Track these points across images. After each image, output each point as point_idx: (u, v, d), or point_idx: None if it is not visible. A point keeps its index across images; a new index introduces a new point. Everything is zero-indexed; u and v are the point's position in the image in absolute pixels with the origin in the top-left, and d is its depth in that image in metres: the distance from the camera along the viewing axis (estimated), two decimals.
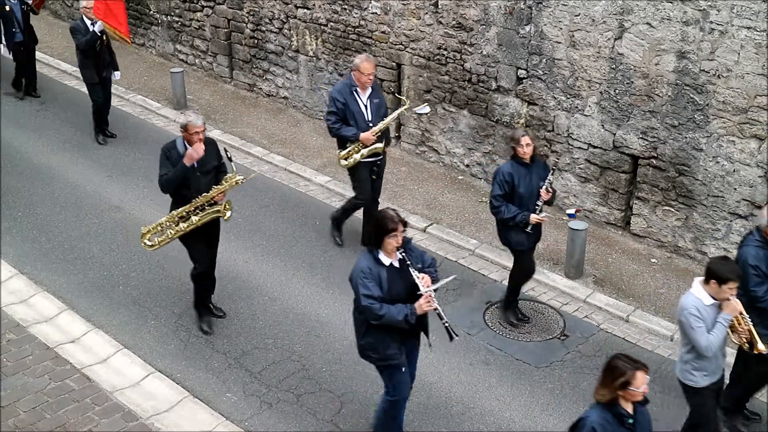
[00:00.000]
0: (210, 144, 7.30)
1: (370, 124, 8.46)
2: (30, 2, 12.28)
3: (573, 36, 9.11)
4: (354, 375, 7.20)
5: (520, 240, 7.52)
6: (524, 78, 9.73)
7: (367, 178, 8.73)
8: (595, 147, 9.31)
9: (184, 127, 7.17)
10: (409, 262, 5.84)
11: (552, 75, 9.43)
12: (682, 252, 8.92)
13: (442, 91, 10.61)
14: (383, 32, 10.98)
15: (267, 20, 12.44)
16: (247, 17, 12.77)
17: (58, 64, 13.88)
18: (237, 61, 13.27)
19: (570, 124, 9.46)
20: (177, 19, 13.85)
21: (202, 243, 7.48)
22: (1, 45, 12.31)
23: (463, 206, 9.98)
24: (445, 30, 10.29)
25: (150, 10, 14.35)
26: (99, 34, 10.80)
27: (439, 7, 10.25)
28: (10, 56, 12.38)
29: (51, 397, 6.78)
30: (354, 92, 8.42)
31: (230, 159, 7.32)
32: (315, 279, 8.58)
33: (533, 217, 7.30)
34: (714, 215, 8.55)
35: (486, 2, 9.78)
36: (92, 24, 10.78)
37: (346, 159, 8.52)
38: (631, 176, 9.16)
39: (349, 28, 11.38)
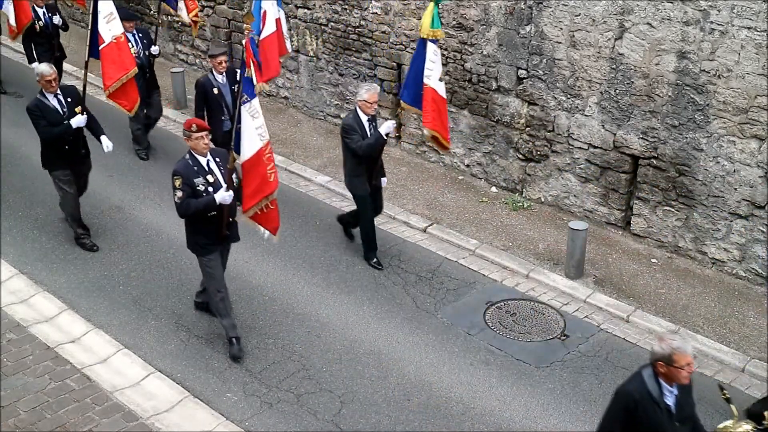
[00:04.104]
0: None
1: None
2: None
3: (573, 36, 9.11)
4: (354, 375, 7.20)
5: None
6: (524, 78, 9.72)
7: None
8: (595, 147, 9.31)
9: (667, 359, 4.91)
10: None
11: (552, 75, 9.43)
12: (683, 252, 8.92)
13: None
14: (383, 32, 10.98)
15: None
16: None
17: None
18: (237, 61, 13.26)
19: (570, 124, 9.46)
20: (177, 19, 13.84)
21: None
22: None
23: (464, 206, 9.98)
24: (446, 30, 10.27)
25: (150, 10, 14.35)
26: (385, 138, 8.36)
27: (440, 7, 10.24)
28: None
29: (51, 397, 6.78)
30: None
31: (728, 399, 5.19)
32: (315, 279, 8.57)
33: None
34: (714, 215, 8.55)
35: (486, 2, 9.78)
36: (370, 121, 8.35)
37: None
38: (632, 176, 9.16)
39: (349, 28, 11.38)
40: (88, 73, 9.07)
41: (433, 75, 8.12)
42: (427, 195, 10.27)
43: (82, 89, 8.84)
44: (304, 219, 9.71)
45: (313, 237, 9.33)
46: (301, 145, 11.57)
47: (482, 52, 10.01)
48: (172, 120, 12.13)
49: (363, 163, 8.35)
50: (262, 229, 7.14)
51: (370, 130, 8.30)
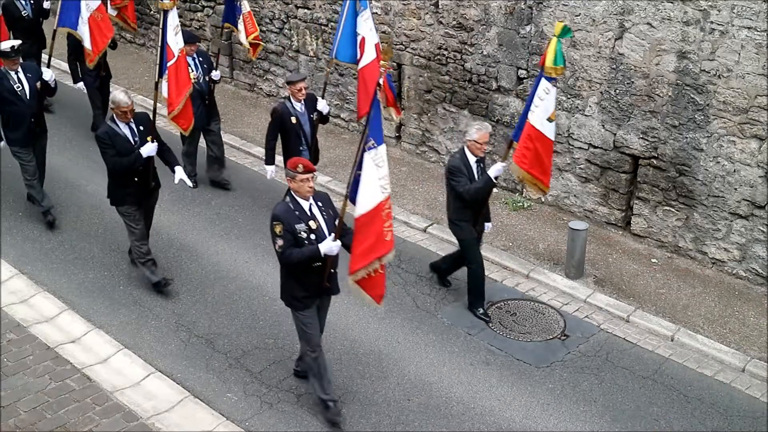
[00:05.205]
0: None
1: None
2: (325, 110, 9.19)
3: (573, 36, 9.10)
4: (354, 375, 7.20)
5: None
6: (525, 78, 9.72)
7: None
8: (595, 147, 9.31)
9: None
10: None
11: None
12: (683, 252, 8.92)
13: (442, 91, 10.61)
14: (384, 32, 10.98)
15: (267, 20, 12.44)
16: None
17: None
18: (237, 61, 13.27)
19: (570, 124, 9.46)
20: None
21: None
22: (272, 166, 9.22)
23: None
24: (446, 30, 10.29)
25: (150, 10, 14.35)
26: (495, 181, 7.67)
27: (440, 7, 10.25)
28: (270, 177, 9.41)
29: (51, 397, 6.78)
30: None
31: None
32: None
33: None
34: (714, 215, 8.55)
35: (486, 2, 9.79)
36: (478, 163, 7.70)
37: None
38: (632, 176, 9.16)
39: None
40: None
41: (538, 112, 7.38)
42: (427, 195, 10.27)
43: (152, 113, 8.21)
44: None
45: None
46: None
47: (482, 52, 10.01)
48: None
49: (469, 207, 7.72)
50: (364, 295, 6.27)
51: (477, 173, 7.66)
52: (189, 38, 9.81)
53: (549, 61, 7.24)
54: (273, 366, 7.29)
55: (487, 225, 8.13)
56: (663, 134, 8.72)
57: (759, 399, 7.01)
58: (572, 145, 9.50)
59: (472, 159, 7.64)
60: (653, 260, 8.93)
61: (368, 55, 8.62)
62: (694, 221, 8.73)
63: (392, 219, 6.19)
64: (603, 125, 9.17)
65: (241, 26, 10.16)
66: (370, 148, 5.98)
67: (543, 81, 7.33)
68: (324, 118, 9.23)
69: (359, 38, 8.64)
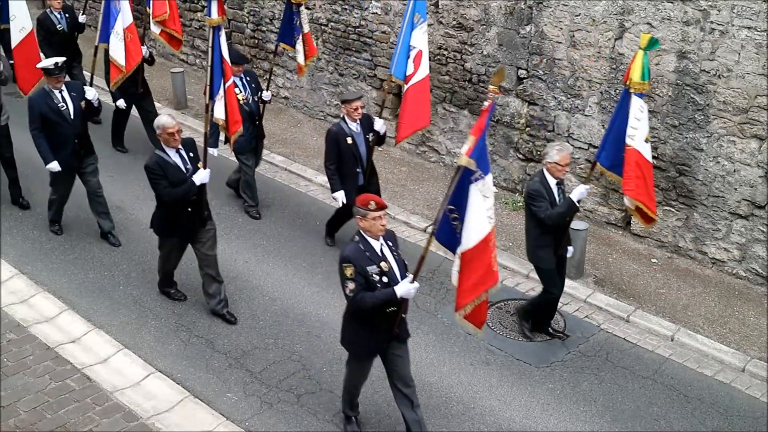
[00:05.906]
0: None
1: None
2: (383, 131, 8.61)
3: (573, 36, 9.11)
4: None
5: None
6: (525, 78, 9.73)
7: None
8: (595, 147, 9.30)
9: None
10: None
11: (552, 75, 9.43)
12: (683, 252, 8.92)
13: (442, 91, 10.61)
14: (383, 32, 10.98)
15: (267, 20, 12.45)
16: (248, 17, 12.78)
17: None
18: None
19: (570, 124, 9.47)
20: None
21: None
22: (341, 192, 8.64)
23: None
24: (446, 30, 10.29)
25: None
26: (578, 205, 7.18)
27: (440, 7, 10.26)
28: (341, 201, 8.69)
29: (51, 397, 6.77)
30: None
31: None
32: (315, 279, 8.57)
33: None
34: (714, 215, 8.55)
35: (486, 2, 9.79)
36: (558, 186, 7.22)
37: None
38: None
39: (349, 28, 11.39)
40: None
41: (638, 135, 6.83)
42: (427, 195, 10.27)
43: (203, 138, 7.63)
44: (304, 219, 9.71)
45: (313, 237, 9.33)
46: (301, 145, 11.56)
47: (482, 52, 10.02)
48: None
49: (550, 233, 7.26)
50: (468, 325, 5.98)
51: (558, 196, 7.21)
52: (237, 59, 9.27)
53: (636, 77, 6.71)
54: (273, 366, 7.29)
55: (569, 249, 7.61)
56: (663, 134, 8.72)
57: (759, 399, 7.02)
58: (572, 145, 9.49)
59: (552, 182, 7.17)
60: (653, 260, 8.93)
61: (422, 71, 8.33)
62: (694, 221, 8.74)
63: (497, 247, 5.85)
64: (603, 125, 9.17)
65: (299, 47, 9.62)
66: (477, 179, 5.55)
67: (635, 99, 6.77)
68: (381, 139, 8.71)
69: (415, 52, 8.25)
